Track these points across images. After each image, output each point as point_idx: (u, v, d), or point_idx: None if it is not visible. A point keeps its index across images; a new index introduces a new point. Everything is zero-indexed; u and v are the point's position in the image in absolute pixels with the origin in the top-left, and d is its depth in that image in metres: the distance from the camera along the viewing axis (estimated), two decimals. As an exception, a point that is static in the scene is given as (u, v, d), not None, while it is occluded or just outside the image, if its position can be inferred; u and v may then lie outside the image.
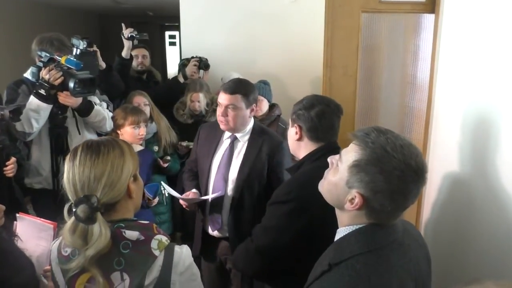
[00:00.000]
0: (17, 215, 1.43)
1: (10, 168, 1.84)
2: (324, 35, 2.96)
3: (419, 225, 2.77)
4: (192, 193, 1.92)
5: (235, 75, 2.88)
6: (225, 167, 1.87)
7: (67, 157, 1.05)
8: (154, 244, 1.02)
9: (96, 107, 2.27)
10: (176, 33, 8.44)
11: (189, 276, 1.07)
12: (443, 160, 2.43)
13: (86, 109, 2.21)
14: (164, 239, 1.05)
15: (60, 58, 2.05)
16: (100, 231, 0.98)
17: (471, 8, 2.14)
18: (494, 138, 1.83)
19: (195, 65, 2.87)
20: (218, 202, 1.88)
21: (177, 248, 1.06)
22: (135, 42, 3.04)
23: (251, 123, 1.90)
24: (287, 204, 1.31)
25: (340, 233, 0.98)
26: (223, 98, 1.80)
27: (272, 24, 3.00)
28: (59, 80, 2.01)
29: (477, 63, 2.03)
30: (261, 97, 2.62)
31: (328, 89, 3.01)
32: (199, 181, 1.98)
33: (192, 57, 2.93)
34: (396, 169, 0.88)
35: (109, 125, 2.34)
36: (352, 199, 0.92)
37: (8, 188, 1.83)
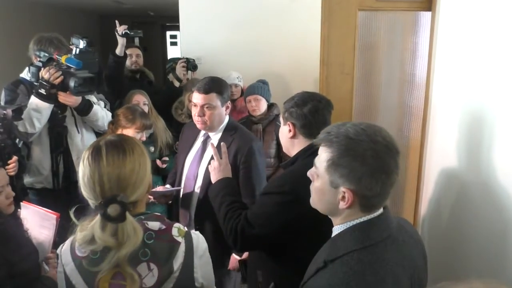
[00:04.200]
0: (21, 203, 1.47)
1: (12, 166, 1.86)
2: (321, 34, 2.98)
3: (417, 221, 2.79)
4: (160, 187, 1.97)
5: (235, 75, 2.91)
6: (196, 165, 1.89)
7: (86, 157, 1.02)
8: (175, 231, 1.06)
9: (95, 106, 2.28)
10: (177, 33, 8.45)
11: (206, 260, 1.11)
12: (440, 157, 2.45)
13: (85, 108, 2.23)
14: (182, 226, 1.09)
15: (60, 58, 2.07)
16: (134, 228, 0.99)
17: (468, 5, 2.15)
18: (490, 135, 1.85)
19: (183, 66, 2.89)
20: (187, 198, 1.90)
21: (193, 234, 1.10)
22: (136, 41, 3.04)
23: (225, 121, 1.89)
24: (280, 195, 1.33)
25: (335, 231, 0.99)
26: (198, 98, 1.79)
27: (270, 23, 3.02)
28: (58, 80, 2.02)
29: (473, 61, 2.04)
30: (259, 97, 2.63)
31: (325, 87, 3.02)
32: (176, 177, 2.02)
33: (179, 59, 2.94)
34: (367, 150, 0.90)
35: (107, 124, 2.35)
36: (343, 196, 0.93)
37: (10, 186, 1.86)
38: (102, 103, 2.41)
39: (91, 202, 1.03)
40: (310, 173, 1.02)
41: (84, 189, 1.02)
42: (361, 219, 0.95)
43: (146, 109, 2.62)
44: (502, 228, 1.74)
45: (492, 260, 1.80)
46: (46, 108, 2.08)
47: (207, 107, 1.78)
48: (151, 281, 1.01)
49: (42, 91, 2.04)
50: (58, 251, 1.07)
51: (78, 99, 2.16)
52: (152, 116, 2.65)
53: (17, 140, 2.09)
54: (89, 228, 0.99)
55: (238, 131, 1.88)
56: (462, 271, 2.04)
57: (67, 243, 1.07)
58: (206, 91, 1.77)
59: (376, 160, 0.90)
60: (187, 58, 2.92)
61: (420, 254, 1.04)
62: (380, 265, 0.90)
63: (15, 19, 5.01)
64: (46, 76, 2.02)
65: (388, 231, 0.95)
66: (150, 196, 2.10)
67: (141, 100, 2.63)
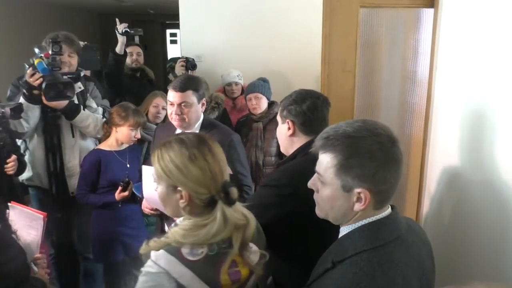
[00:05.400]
0: (9, 204, 1.46)
1: (11, 165, 1.86)
2: (322, 31, 2.96)
3: (419, 219, 2.78)
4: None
5: (235, 73, 2.90)
6: None
7: (195, 154, 1.00)
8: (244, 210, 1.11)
9: (84, 112, 2.22)
10: (177, 31, 8.43)
11: None
12: (442, 154, 2.44)
13: (71, 112, 2.17)
14: None
15: (34, 60, 2.00)
16: (241, 207, 1.06)
17: (470, 2, 2.14)
18: (493, 132, 1.83)
19: (182, 65, 2.86)
20: None
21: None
22: (136, 39, 3.01)
23: (201, 118, 1.88)
24: (277, 188, 1.32)
25: (343, 231, 0.97)
26: (174, 96, 1.78)
27: (271, 21, 3.00)
28: (38, 82, 1.97)
29: (476, 58, 2.02)
30: (260, 95, 2.62)
31: (326, 85, 3.01)
32: None
33: (179, 58, 2.93)
34: (373, 145, 0.89)
35: (98, 132, 2.29)
36: (358, 198, 0.90)
37: (9, 185, 1.85)
38: (100, 110, 2.34)
39: (205, 196, 1.00)
40: (312, 183, 0.99)
41: (200, 185, 1.00)
42: (370, 219, 0.93)
43: (163, 113, 2.60)
44: (505, 226, 1.72)
45: (495, 259, 1.79)
46: (30, 108, 2.04)
47: (184, 105, 1.78)
48: (255, 258, 1.07)
49: (24, 91, 2.02)
50: (156, 270, 0.96)
51: (62, 102, 2.10)
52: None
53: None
54: (218, 220, 0.98)
55: (215, 127, 1.89)
56: (465, 270, 2.03)
57: (165, 256, 0.96)
58: (182, 89, 1.77)
59: (384, 152, 0.89)
60: (186, 58, 2.90)
61: (428, 254, 1.02)
62: (390, 266, 0.88)
63: (14, 18, 5.00)
64: (26, 76, 1.99)
65: (398, 232, 0.94)
66: (151, 211, 2.04)
67: (160, 103, 2.60)
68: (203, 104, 1.86)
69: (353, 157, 0.89)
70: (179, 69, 2.88)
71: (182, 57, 2.91)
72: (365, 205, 0.91)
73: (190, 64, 2.86)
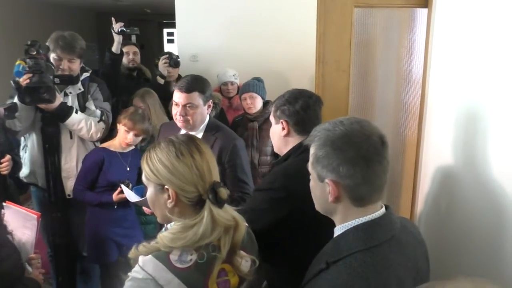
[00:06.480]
0: (4, 204, 1.46)
1: (5, 165, 1.85)
2: (317, 31, 2.97)
3: (414, 218, 2.79)
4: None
5: (231, 72, 2.90)
6: None
7: (182, 151, 0.99)
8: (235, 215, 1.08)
9: (76, 115, 2.17)
10: (174, 30, 8.41)
11: None
12: (436, 154, 2.45)
13: (61, 114, 2.13)
14: None
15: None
16: (230, 210, 1.03)
17: (464, 2, 2.14)
18: (486, 132, 1.84)
19: (165, 62, 2.80)
20: None
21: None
22: (133, 38, 2.97)
23: (206, 120, 1.86)
24: (271, 191, 1.32)
25: (337, 231, 0.97)
26: (180, 97, 1.75)
27: (266, 20, 3.01)
28: (25, 83, 1.93)
29: (469, 58, 2.03)
30: (254, 94, 2.62)
31: (321, 84, 3.01)
32: None
33: (162, 55, 2.89)
34: (342, 138, 0.90)
35: (92, 136, 2.25)
36: (329, 190, 0.92)
37: (3, 185, 1.85)
38: (98, 112, 2.29)
39: (194, 195, 0.98)
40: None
41: (187, 182, 0.98)
42: (364, 219, 0.93)
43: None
44: (498, 225, 1.73)
45: (488, 258, 1.80)
46: (23, 108, 2.01)
47: (189, 106, 1.75)
48: (246, 267, 1.03)
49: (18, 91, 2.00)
50: (142, 276, 0.92)
51: (53, 103, 2.06)
52: (151, 119, 2.60)
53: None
54: (205, 219, 0.96)
55: (220, 130, 1.85)
56: (458, 269, 2.04)
57: (152, 262, 0.93)
58: (188, 90, 1.74)
59: (351, 146, 0.90)
60: (169, 54, 2.84)
61: (423, 255, 1.02)
62: (384, 267, 0.88)
63: (11, 17, 4.98)
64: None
65: (392, 232, 0.93)
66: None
67: (137, 104, 2.58)
68: (209, 106, 1.82)
69: (323, 148, 0.92)
70: (162, 66, 2.82)
71: (165, 53, 2.87)
72: (333, 198, 0.92)
73: (173, 61, 2.80)
